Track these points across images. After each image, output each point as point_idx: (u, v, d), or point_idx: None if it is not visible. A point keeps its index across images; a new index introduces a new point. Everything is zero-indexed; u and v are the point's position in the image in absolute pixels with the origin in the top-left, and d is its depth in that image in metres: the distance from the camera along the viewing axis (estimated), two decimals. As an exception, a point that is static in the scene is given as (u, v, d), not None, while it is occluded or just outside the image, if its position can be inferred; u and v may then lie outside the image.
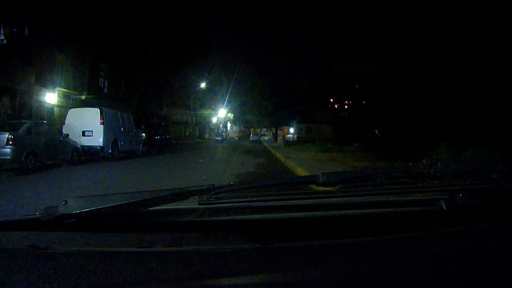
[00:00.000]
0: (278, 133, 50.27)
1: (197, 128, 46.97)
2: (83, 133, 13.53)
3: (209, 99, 44.61)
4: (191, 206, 0.92)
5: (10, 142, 9.27)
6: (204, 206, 0.88)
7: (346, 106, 52.54)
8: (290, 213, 0.96)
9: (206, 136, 50.62)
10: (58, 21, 17.67)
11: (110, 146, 14.05)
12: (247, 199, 0.93)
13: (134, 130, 16.62)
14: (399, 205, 1.01)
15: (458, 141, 10.24)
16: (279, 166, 12.50)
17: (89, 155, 13.35)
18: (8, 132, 9.56)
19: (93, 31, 20.40)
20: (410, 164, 1.00)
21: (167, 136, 24.40)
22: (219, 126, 49.57)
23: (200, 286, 0.63)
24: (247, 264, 0.65)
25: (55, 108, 19.78)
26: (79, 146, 12.63)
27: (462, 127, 12.73)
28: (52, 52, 19.37)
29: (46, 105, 19.08)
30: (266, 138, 53.25)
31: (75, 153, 12.18)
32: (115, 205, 0.83)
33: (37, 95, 18.39)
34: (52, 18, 17.30)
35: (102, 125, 13.71)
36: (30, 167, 9.53)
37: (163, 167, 11.74)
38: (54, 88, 19.44)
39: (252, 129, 61.04)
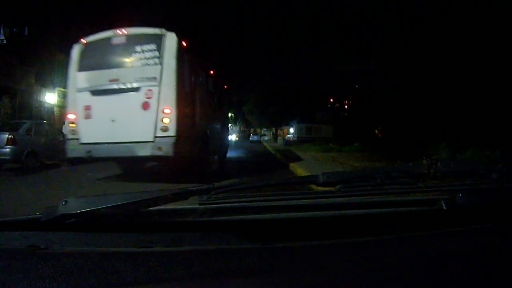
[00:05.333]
0: (278, 133, 50.30)
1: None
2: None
3: (209, 99, 44.51)
4: (191, 206, 0.92)
5: (10, 142, 9.28)
6: (204, 206, 0.88)
7: (346, 106, 52.55)
8: (290, 213, 0.96)
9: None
10: (58, 21, 17.68)
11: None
12: (247, 199, 0.93)
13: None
14: (399, 205, 1.01)
15: (458, 141, 10.24)
16: (279, 166, 12.49)
17: (89, 155, 13.34)
18: (8, 132, 9.57)
19: (93, 31, 20.40)
20: (410, 164, 1.00)
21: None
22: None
23: (200, 286, 0.63)
24: (247, 264, 0.65)
25: (55, 108, 19.80)
26: (79, 146, 12.63)
27: (462, 127, 12.73)
28: (52, 52, 19.37)
29: (46, 105, 19.09)
30: (266, 138, 53.24)
31: (75, 153, 12.19)
32: (115, 205, 0.83)
33: (37, 95, 18.40)
34: (52, 18, 17.30)
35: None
36: (30, 167, 9.53)
37: (164, 166, 11.73)
38: (54, 88, 19.45)
39: (252, 129, 61.05)
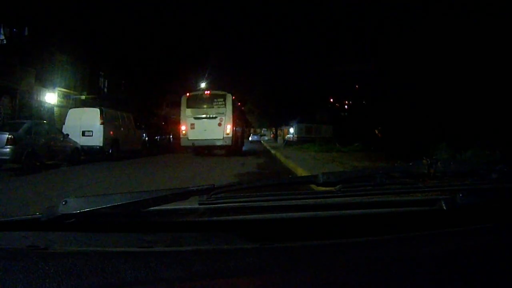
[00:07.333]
0: (278, 133, 50.33)
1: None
2: (83, 133, 13.55)
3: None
4: (191, 206, 0.92)
5: (10, 142, 9.28)
6: (204, 206, 0.88)
7: (346, 106, 52.55)
8: (290, 213, 0.96)
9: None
10: (58, 21, 17.68)
11: (110, 146, 14.06)
12: (247, 199, 0.93)
13: (134, 130, 16.63)
14: (400, 205, 1.01)
15: (458, 141, 10.22)
16: (279, 166, 12.50)
17: (89, 155, 13.35)
18: (8, 132, 9.58)
19: (93, 32, 20.42)
20: (410, 164, 1.00)
21: (167, 136, 24.41)
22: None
23: (200, 286, 0.63)
24: (247, 264, 0.65)
25: (55, 108, 19.80)
26: (79, 146, 12.63)
27: (462, 127, 12.73)
28: (52, 52, 19.38)
29: (46, 105, 19.09)
30: (266, 138, 53.28)
31: (75, 153, 12.19)
32: (115, 205, 0.83)
33: (37, 95, 18.41)
34: (52, 18, 17.30)
35: (102, 125, 13.74)
36: (30, 167, 9.53)
37: (163, 167, 11.74)
38: (54, 88, 19.46)
39: (252, 129, 61.08)
